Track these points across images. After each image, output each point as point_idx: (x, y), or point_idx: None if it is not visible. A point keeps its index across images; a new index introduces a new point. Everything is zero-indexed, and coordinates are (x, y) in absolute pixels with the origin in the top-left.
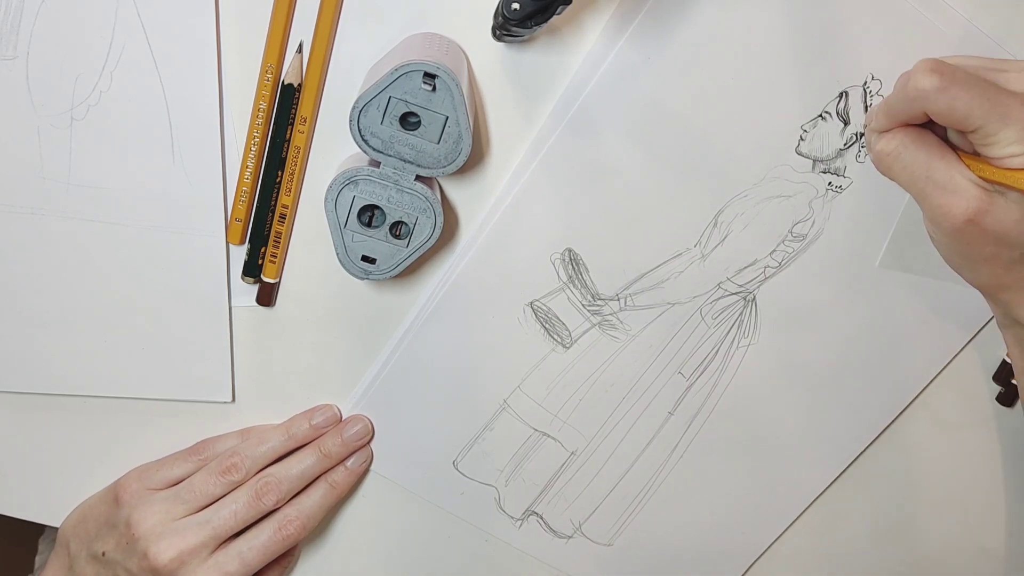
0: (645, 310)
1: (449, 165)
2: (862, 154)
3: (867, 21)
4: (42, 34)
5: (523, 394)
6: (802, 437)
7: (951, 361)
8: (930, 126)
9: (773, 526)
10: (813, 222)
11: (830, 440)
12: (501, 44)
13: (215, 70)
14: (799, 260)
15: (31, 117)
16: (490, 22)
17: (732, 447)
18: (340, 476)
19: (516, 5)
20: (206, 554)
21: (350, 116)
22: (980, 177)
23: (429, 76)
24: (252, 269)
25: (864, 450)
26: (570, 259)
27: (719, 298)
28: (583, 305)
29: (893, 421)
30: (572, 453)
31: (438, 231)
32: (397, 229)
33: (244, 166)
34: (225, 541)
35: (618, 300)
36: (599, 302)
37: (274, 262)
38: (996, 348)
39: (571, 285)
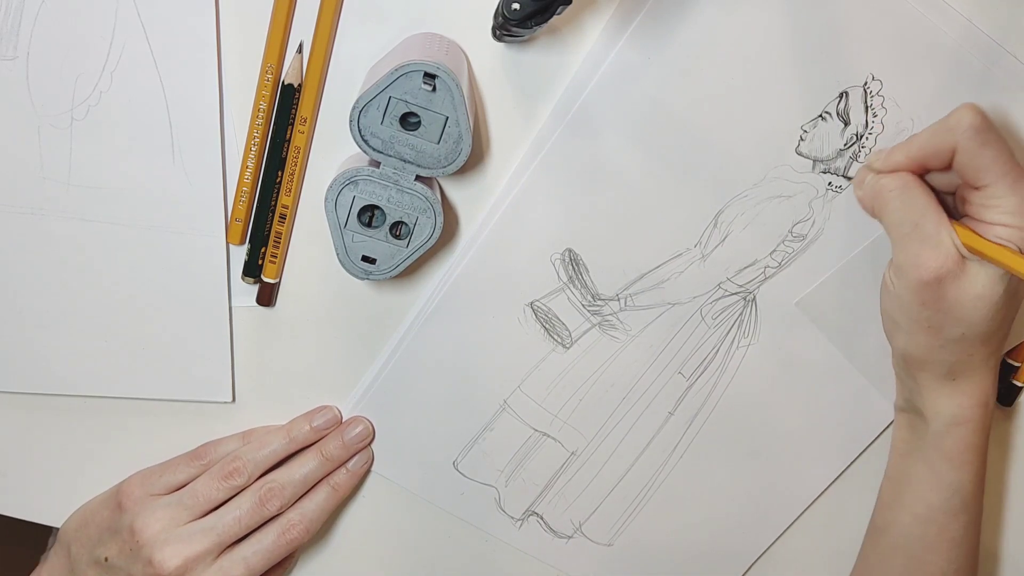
0: (645, 310)
1: (449, 165)
2: (862, 154)
3: (867, 21)
4: (42, 34)
5: (523, 394)
6: (802, 437)
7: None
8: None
9: (773, 526)
10: (813, 222)
11: (830, 440)
12: (501, 44)
13: (215, 70)
14: (799, 260)
15: (31, 117)
16: (490, 22)
17: (732, 447)
18: (342, 479)
19: (516, 5)
20: (211, 560)
21: (350, 116)
22: (964, 243)
23: (429, 76)
24: (252, 269)
25: (864, 450)
26: (570, 259)
27: (719, 298)
28: (583, 305)
29: (893, 421)
30: (572, 453)
31: (438, 231)
32: (397, 229)
33: (244, 166)
34: (229, 546)
35: (618, 300)
36: (599, 302)
37: (274, 262)
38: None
39: (571, 285)
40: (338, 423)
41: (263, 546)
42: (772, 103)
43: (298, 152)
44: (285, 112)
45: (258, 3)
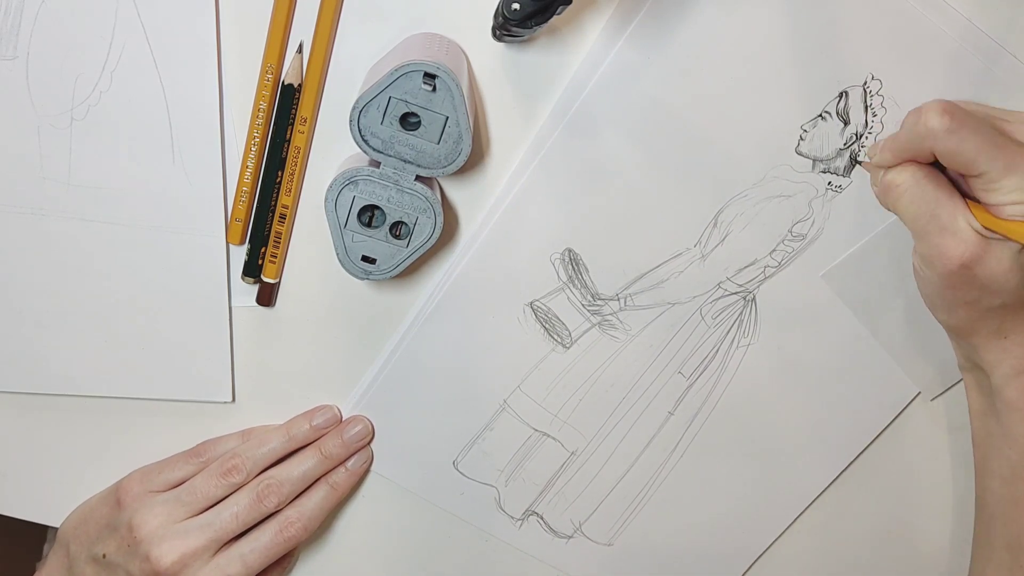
0: (645, 310)
1: (449, 165)
2: (862, 153)
3: (867, 21)
4: (42, 34)
5: (523, 394)
6: (802, 437)
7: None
8: (936, 166)
9: (773, 526)
10: (813, 222)
11: (830, 440)
12: (501, 44)
13: (215, 70)
14: (799, 260)
15: (31, 117)
16: (490, 22)
17: (732, 447)
18: (341, 477)
19: (516, 5)
20: (208, 556)
21: (350, 116)
22: (983, 224)
23: (429, 76)
24: (252, 269)
25: (864, 450)
26: (570, 259)
27: (719, 298)
28: (583, 305)
29: (893, 421)
30: (572, 453)
31: (438, 231)
32: (397, 229)
33: (244, 166)
34: (227, 543)
35: (618, 300)
36: (599, 302)
37: (274, 262)
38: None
39: (571, 285)
40: (338, 422)
41: (260, 543)
42: (772, 103)
43: (298, 152)
44: (285, 112)
45: (258, 3)
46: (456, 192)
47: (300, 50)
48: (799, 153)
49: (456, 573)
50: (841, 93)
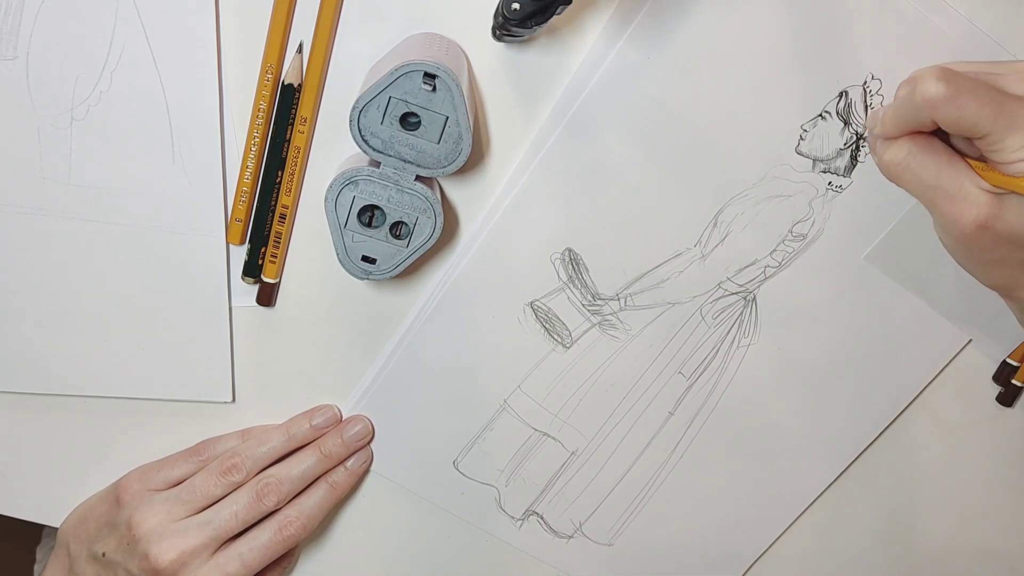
0: (645, 310)
1: (449, 165)
2: (862, 154)
3: (867, 21)
4: (42, 34)
5: (523, 394)
6: (802, 437)
7: (951, 361)
8: (936, 131)
9: (773, 526)
10: (813, 222)
11: (830, 440)
12: (501, 44)
13: (215, 70)
14: (799, 260)
15: (31, 117)
16: (490, 22)
17: (732, 447)
18: (340, 477)
19: (516, 5)
20: (207, 555)
21: (350, 116)
22: (991, 183)
23: (429, 76)
24: (252, 269)
25: (864, 450)
26: (570, 259)
27: (719, 298)
28: (583, 305)
29: (893, 421)
30: (572, 453)
31: (438, 231)
32: (397, 229)
33: (244, 166)
34: (226, 542)
35: (618, 300)
36: (599, 302)
37: (274, 262)
38: (997, 348)
39: (571, 285)
40: (338, 422)
41: (259, 542)
42: (772, 103)
43: (298, 152)
44: (285, 112)
45: (258, 3)
46: (456, 192)
47: (300, 50)
48: (799, 153)
49: (456, 573)
50: (841, 93)
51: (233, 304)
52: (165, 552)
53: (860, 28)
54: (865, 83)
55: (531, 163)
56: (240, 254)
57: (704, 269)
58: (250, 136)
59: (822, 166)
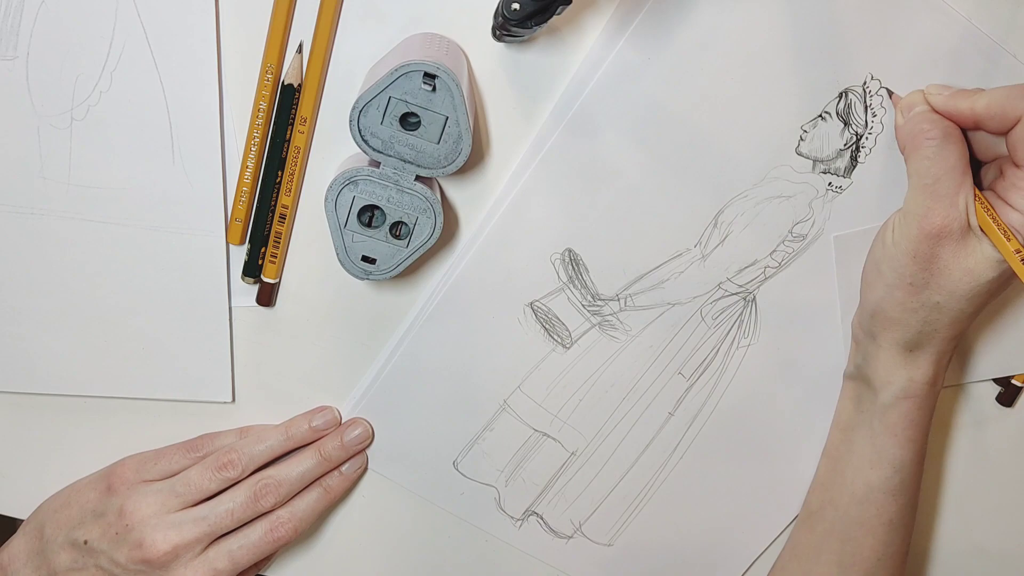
0: (645, 310)
1: (449, 165)
2: (862, 154)
3: (867, 21)
4: (42, 34)
5: (523, 394)
6: (802, 437)
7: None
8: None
9: (773, 526)
10: (813, 222)
11: None
12: (501, 44)
13: (215, 70)
14: (799, 260)
15: (31, 117)
16: (490, 22)
17: (732, 447)
18: (335, 481)
19: (516, 5)
20: (199, 549)
21: (350, 116)
22: (978, 216)
23: (429, 76)
24: (252, 269)
25: None
26: (570, 259)
27: (719, 298)
28: (583, 305)
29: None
30: (572, 453)
31: (438, 231)
32: (397, 229)
33: (244, 166)
34: (217, 538)
35: (618, 300)
36: (599, 302)
37: (274, 262)
38: (997, 348)
39: (571, 285)
40: (337, 424)
41: (250, 541)
42: (772, 103)
43: (298, 152)
44: (285, 112)
45: (258, 3)
46: (456, 192)
47: (300, 50)
48: (799, 153)
49: (456, 573)
50: (841, 93)
51: (233, 304)
52: (160, 543)
53: (860, 28)
54: (865, 83)
55: (531, 163)
56: (240, 254)
57: (704, 269)
58: (250, 136)
59: (822, 167)
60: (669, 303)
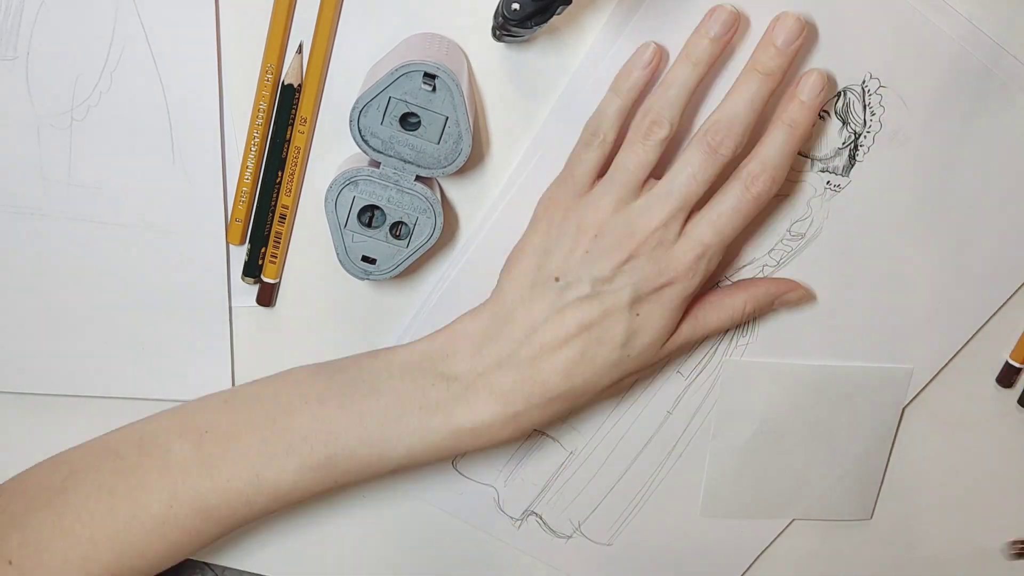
0: None
1: (449, 165)
2: (860, 153)
3: (867, 21)
4: (42, 34)
5: None
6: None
7: (951, 360)
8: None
9: (773, 526)
10: (811, 221)
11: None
12: (501, 44)
13: (215, 70)
14: (797, 259)
15: (31, 117)
16: (490, 22)
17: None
18: (796, 113)
19: (516, 5)
20: (677, 228)
21: (350, 116)
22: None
23: (429, 76)
24: (252, 269)
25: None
26: None
27: None
28: None
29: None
30: (571, 453)
31: (438, 231)
32: (397, 229)
33: (244, 166)
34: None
35: None
36: None
37: (274, 262)
38: (998, 348)
39: None
40: (736, 21)
41: (728, 206)
42: (771, 102)
43: (298, 152)
44: (285, 112)
45: (258, 3)
46: (456, 192)
47: (300, 50)
48: (798, 152)
49: (456, 573)
50: (840, 92)
51: (233, 304)
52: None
53: (859, 28)
54: (864, 83)
55: (531, 163)
56: (240, 254)
57: None
58: (250, 136)
59: (820, 165)
60: None
